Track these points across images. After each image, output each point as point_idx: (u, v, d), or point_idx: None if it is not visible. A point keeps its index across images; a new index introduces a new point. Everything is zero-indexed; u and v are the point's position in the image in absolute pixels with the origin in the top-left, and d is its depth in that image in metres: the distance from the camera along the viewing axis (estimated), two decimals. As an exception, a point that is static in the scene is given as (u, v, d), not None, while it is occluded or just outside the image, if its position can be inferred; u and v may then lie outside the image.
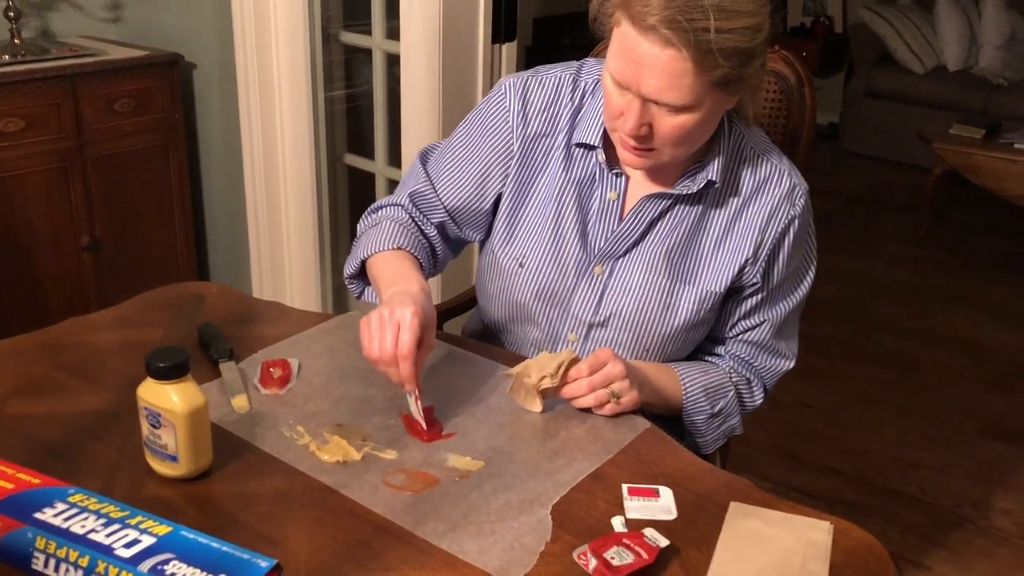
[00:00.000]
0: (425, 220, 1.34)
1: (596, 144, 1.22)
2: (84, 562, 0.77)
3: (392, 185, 2.53)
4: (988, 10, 5.11)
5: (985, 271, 3.87)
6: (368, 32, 2.44)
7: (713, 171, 1.20)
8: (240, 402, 1.12)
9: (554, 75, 1.27)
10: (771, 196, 1.22)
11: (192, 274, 2.81)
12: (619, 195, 1.24)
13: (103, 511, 0.82)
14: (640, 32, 1.03)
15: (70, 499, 0.83)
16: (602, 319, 1.25)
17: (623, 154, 1.16)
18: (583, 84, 1.26)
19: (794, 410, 2.73)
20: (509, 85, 1.27)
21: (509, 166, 1.28)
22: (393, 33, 2.30)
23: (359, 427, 1.08)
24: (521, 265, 1.27)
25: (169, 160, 2.67)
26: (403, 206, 1.34)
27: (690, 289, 1.23)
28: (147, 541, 0.78)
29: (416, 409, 1.08)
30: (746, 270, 1.23)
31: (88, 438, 1.04)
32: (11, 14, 2.44)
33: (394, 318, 1.07)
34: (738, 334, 1.30)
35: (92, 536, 0.78)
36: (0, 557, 0.81)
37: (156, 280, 1.49)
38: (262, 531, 0.91)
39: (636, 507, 0.97)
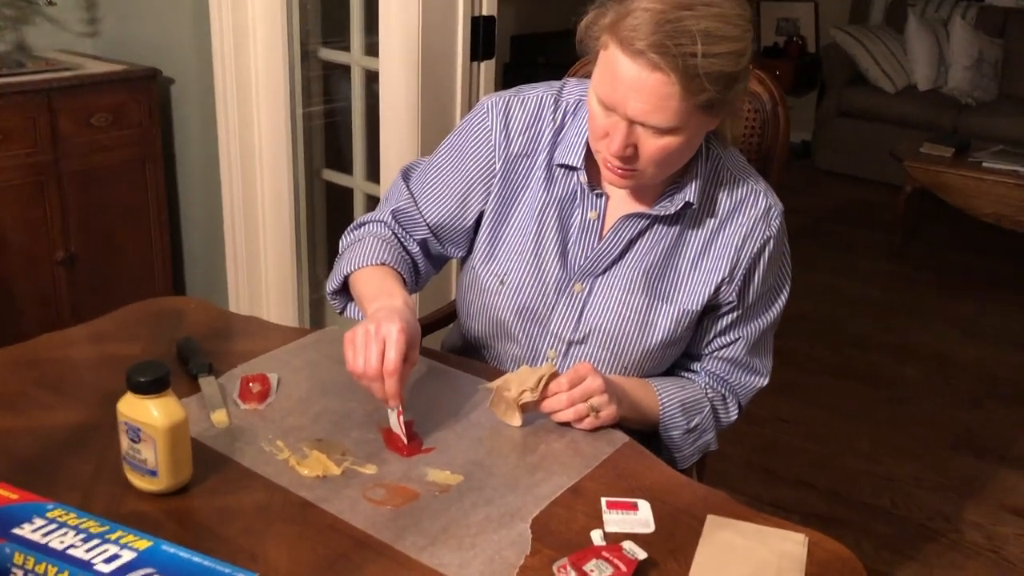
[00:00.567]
0: (408, 237, 1.35)
1: (578, 166, 1.23)
2: (63, 578, 0.76)
3: (370, 200, 2.53)
4: (957, 32, 5.21)
5: (955, 287, 3.93)
6: (347, 48, 2.45)
7: (690, 193, 1.21)
8: (220, 417, 1.11)
9: (536, 95, 1.28)
10: (747, 217, 1.24)
11: (168, 289, 2.79)
12: (599, 214, 1.25)
13: (82, 526, 0.81)
14: (628, 56, 1.04)
15: (49, 514, 0.82)
16: (581, 336, 1.27)
17: (606, 174, 1.17)
18: (564, 104, 1.27)
19: (769, 425, 2.75)
20: (491, 104, 1.28)
21: (491, 184, 1.29)
22: (372, 49, 2.31)
23: (339, 442, 1.08)
24: (502, 282, 1.28)
25: (146, 175, 2.66)
26: (386, 223, 1.35)
27: (667, 308, 1.25)
28: (127, 556, 0.78)
29: (398, 424, 1.09)
30: (722, 289, 1.25)
31: (66, 453, 1.04)
32: (-13, 28, 2.43)
33: (380, 334, 1.07)
34: (714, 351, 1.32)
35: (71, 552, 0.78)
36: (-22, 573, 0.81)
37: (132, 295, 1.48)
38: (242, 545, 0.91)
39: (615, 520, 0.97)
